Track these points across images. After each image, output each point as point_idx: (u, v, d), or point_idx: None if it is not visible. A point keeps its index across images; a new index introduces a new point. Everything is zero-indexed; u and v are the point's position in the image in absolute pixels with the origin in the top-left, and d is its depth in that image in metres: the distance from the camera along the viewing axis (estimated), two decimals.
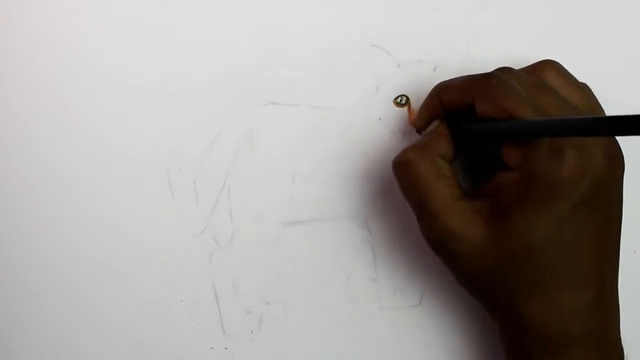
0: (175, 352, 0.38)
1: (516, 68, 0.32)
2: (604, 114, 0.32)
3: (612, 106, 0.35)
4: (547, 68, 0.32)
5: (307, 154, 0.37)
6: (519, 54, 0.36)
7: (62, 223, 0.37)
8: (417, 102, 0.36)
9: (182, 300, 0.38)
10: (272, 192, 0.37)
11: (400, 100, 0.36)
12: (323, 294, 0.38)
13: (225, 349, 0.38)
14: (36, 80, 0.36)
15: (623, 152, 0.31)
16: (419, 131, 0.37)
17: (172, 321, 0.38)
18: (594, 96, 0.32)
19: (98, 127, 0.36)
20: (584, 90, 0.32)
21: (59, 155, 0.37)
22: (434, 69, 0.36)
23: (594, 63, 0.36)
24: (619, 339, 0.32)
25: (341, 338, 0.38)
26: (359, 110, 0.37)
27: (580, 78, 0.33)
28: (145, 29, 0.36)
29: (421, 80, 0.36)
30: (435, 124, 0.33)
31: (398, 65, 0.36)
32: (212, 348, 0.38)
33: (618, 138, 0.30)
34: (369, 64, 0.36)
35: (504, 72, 0.31)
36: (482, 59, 0.36)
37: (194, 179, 0.37)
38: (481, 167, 0.34)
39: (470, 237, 0.30)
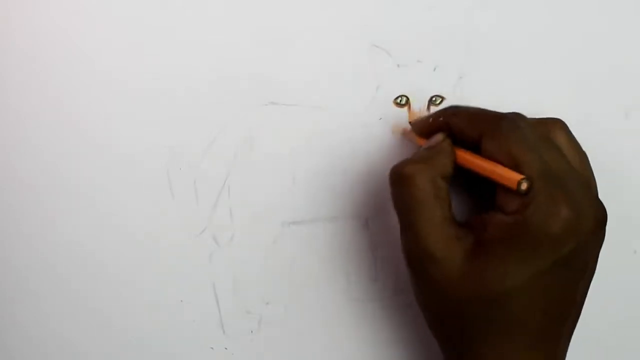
0: (175, 352, 0.38)
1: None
2: (596, 187, 0.32)
3: (612, 106, 0.36)
4: (557, 127, 0.32)
5: (307, 154, 0.37)
6: (519, 54, 0.36)
7: (62, 223, 0.37)
8: (417, 102, 0.36)
9: (182, 300, 0.38)
10: (272, 192, 0.37)
11: (400, 100, 0.36)
12: (323, 294, 0.38)
13: (225, 349, 0.38)
14: (36, 80, 0.36)
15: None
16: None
17: (172, 321, 0.38)
18: (590, 166, 0.32)
19: (98, 127, 0.36)
20: (584, 157, 0.32)
21: (58, 155, 0.37)
22: (434, 69, 0.36)
23: (594, 63, 0.36)
24: None
25: (341, 338, 0.38)
26: (359, 110, 0.37)
27: (580, 78, 0.33)
28: (145, 29, 0.36)
29: (421, 80, 0.36)
30: (439, 137, 0.33)
31: (398, 65, 0.36)
32: (212, 348, 0.38)
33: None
34: (369, 64, 0.36)
35: (516, 118, 0.31)
36: (482, 59, 0.36)
37: (194, 179, 0.37)
38: (471, 195, 0.34)
39: (448, 265, 0.30)
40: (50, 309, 0.38)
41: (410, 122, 0.36)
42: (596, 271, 0.31)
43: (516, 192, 0.29)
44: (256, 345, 0.38)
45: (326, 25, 0.36)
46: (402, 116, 0.37)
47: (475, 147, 0.31)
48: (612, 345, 0.35)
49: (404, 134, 0.36)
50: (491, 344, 0.30)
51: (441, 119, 0.32)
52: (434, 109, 0.36)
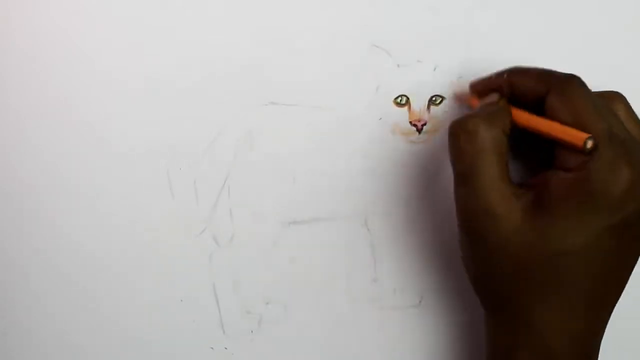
0: (175, 352, 0.38)
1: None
2: None
3: None
4: (618, 99, 0.32)
5: (307, 154, 0.37)
6: (519, 54, 0.36)
7: (62, 223, 0.37)
8: (417, 102, 0.36)
9: (182, 300, 0.38)
10: (272, 192, 0.37)
11: (400, 100, 0.36)
12: (323, 294, 0.38)
13: (225, 349, 0.38)
14: (36, 80, 0.36)
15: None
16: (420, 129, 0.37)
17: (172, 321, 0.38)
18: None
19: (98, 127, 0.36)
20: None
21: (59, 155, 0.37)
22: (434, 69, 0.36)
23: (594, 63, 0.36)
24: None
25: (341, 338, 0.38)
26: (359, 110, 0.37)
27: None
28: (145, 29, 0.36)
29: (421, 80, 0.36)
30: (494, 97, 0.33)
31: (398, 65, 0.36)
32: (212, 348, 0.38)
33: None
34: (369, 64, 0.36)
35: (583, 81, 0.31)
36: (482, 59, 0.36)
37: (194, 179, 0.37)
38: (523, 158, 0.34)
39: (505, 221, 0.30)
40: (51, 309, 0.38)
41: (470, 83, 0.35)
42: None
43: (581, 151, 0.29)
44: (256, 345, 0.38)
45: (326, 25, 0.36)
46: (402, 116, 0.37)
47: (536, 108, 0.31)
48: (612, 345, 0.35)
49: (457, 96, 0.36)
50: (541, 302, 0.30)
51: (505, 76, 0.32)
52: (434, 109, 0.36)
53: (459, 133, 0.31)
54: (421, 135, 0.37)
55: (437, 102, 0.36)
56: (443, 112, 0.36)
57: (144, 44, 0.36)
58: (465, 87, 0.35)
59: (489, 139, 0.31)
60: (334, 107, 0.37)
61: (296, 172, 0.37)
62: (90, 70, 0.36)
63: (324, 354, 0.38)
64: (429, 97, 0.36)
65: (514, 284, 0.30)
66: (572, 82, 0.31)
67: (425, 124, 0.37)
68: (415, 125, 0.37)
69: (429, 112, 0.36)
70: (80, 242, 0.37)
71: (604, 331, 0.31)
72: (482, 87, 0.34)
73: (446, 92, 0.36)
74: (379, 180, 0.37)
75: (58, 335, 0.38)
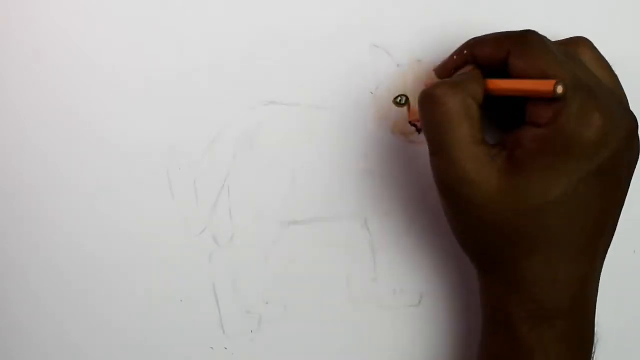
0: (175, 352, 0.38)
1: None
2: (626, 98, 0.32)
3: None
4: (582, 44, 0.32)
5: (307, 154, 0.37)
6: None
7: (62, 222, 0.37)
8: (416, 102, 0.36)
9: (182, 300, 0.38)
10: (272, 192, 0.37)
11: (400, 100, 0.36)
12: (323, 294, 0.38)
13: (225, 349, 0.38)
14: (36, 80, 0.36)
15: None
16: (420, 129, 0.37)
17: (172, 321, 0.38)
18: (619, 81, 0.33)
19: (98, 127, 0.36)
20: (612, 73, 0.32)
21: (59, 155, 0.37)
22: (434, 69, 0.36)
23: None
24: (595, 318, 0.32)
25: (341, 338, 0.38)
26: (359, 110, 0.37)
27: None
28: (145, 29, 0.36)
29: (421, 80, 0.36)
30: (468, 67, 0.33)
31: (398, 65, 0.36)
32: (212, 348, 0.38)
33: None
34: (369, 64, 0.36)
35: (541, 35, 0.31)
36: None
37: (194, 178, 0.37)
38: (499, 124, 0.34)
39: (484, 185, 0.30)
40: (51, 309, 0.38)
41: (434, 70, 0.35)
42: None
43: (552, 99, 0.29)
44: (256, 345, 0.38)
45: (326, 25, 0.36)
46: (402, 116, 0.37)
47: (502, 74, 0.31)
48: (612, 345, 0.35)
49: (426, 85, 0.35)
50: (529, 258, 0.30)
51: (465, 52, 0.32)
52: (400, 110, 0.36)
53: (426, 101, 0.31)
54: (421, 135, 0.37)
55: None
56: None
57: (144, 44, 0.36)
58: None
59: (457, 105, 0.30)
60: (334, 107, 0.37)
61: (296, 172, 0.37)
62: (90, 70, 0.36)
63: (324, 354, 0.38)
64: None
65: (500, 244, 0.31)
66: (528, 38, 0.30)
67: None
68: (415, 125, 0.37)
69: None
70: (80, 242, 0.37)
71: (598, 280, 0.31)
72: (448, 69, 0.34)
73: None
74: (378, 180, 0.37)
75: (58, 335, 0.38)
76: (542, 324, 0.30)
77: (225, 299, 0.38)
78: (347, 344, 0.38)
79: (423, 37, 0.36)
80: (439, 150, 0.31)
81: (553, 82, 0.28)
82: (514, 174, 0.30)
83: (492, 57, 0.31)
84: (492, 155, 0.30)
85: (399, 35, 0.36)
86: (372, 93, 0.36)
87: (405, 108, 0.37)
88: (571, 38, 0.33)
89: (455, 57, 0.33)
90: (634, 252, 0.37)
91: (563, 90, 0.28)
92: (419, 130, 0.37)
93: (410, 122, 0.37)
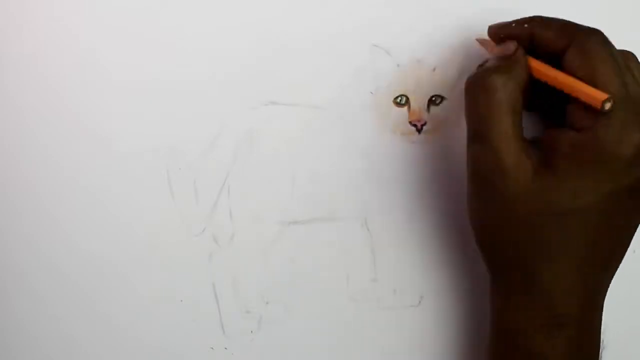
0: (175, 352, 0.38)
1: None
2: None
3: None
4: (632, 58, 0.31)
5: (307, 154, 0.37)
6: None
7: (62, 222, 0.37)
8: (417, 102, 0.36)
9: (182, 300, 0.38)
10: (272, 192, 0.37)
11: (400, 100, 0.36)
12: (323, 294, 0.38)
13: (225, 349, 0.38)
14: (36, 80, 0.36)
15: None
16: (420, 129, 0.37)
17: (172, 321, 0.38)
18: None
19: (98, 127, 0.36)
20: None
21: (59, 155, 0.36)
22: (434, 69, 0.36)
23: None
24: (601, 325, 0.32)
25: (341, 338, 0.38)
26: (359, 110, 0.37)
27: None
28: (145, 28, 0.36)
29: (421, 80, 0.36)
30: (511, 46, 0.31)
31: (398, 65, 0.36)
32: (212, 348, 0.38)
33: None
34: (369, 64, 0.36)
35: (607, 37, 0.30)
36: (482, 59, 0.36)
37: (194, 179, 0.37)
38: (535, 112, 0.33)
39: (518, 179, 0.30)
40: (51, 309, 0.38)
41: (489, 26, 0.34)
42: None
43: (598, 111, 0.28)
44: (256, 345, 0.38)
45: (326, 25, 0.36)
46: (402, 116, 0.37)
47: (554, 61, 0.30)
48: (612, 345, 0.35)
49: (478, 39, 0.35)
50: (546, 261, 0.30)
51: (526, 25, 0.32)
52: (433, 109, 0.36)
53: (476, 88, 0.31)
54: (421, 135, 0.37)
55: (437, 102, 0.36)
56: (443, 112, 0.37)
57: (144, 43, 0.36)
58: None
59: (505, 95, 0.30)
60: (334, 107, 0.37)
61: (296, 172, 0.37)
62: (91, 70, 0.36)
63: (324, 354, 0.38)
64: (428, 97, 0.36)
65: (521, 244, 0.30)
66: (594, 37, 0.30)
67: (425, 124, 0.37)
68: (415, 125, 0.37)
69: (429, 112, 0.37)
70: (80, 241, 0.37)
71: (606, 291, 0.31)
72: (502, 33, 0.33)
73: (446, 92, 0.36)
74: (378, 180, 0.37)
75: (58, 335, 0.38)
76: (554, 332, 0.30)
77: (225, 299, 0.38)
78: (347, 344, 0.38)
79: (423, 37, 0.36)
80: (480, 138, 0.31)
81: (605, 96, 0.28)
82: (546, 175, 0.29)
83: (551, 42, 0.31)
84: (529, 152, 0.30)
85: (399, 35, 0.36)
86: (372, 93, 0.36)
87: (405, 108, 0.37)
88: (623, 50, 0.32)
89: (513, 24, 0.32)
90: (634, 252, 0.37)
91: (610, 108, 0.28)
92: (419, 130, 0.37)
93: (410, 122, 0.37)
